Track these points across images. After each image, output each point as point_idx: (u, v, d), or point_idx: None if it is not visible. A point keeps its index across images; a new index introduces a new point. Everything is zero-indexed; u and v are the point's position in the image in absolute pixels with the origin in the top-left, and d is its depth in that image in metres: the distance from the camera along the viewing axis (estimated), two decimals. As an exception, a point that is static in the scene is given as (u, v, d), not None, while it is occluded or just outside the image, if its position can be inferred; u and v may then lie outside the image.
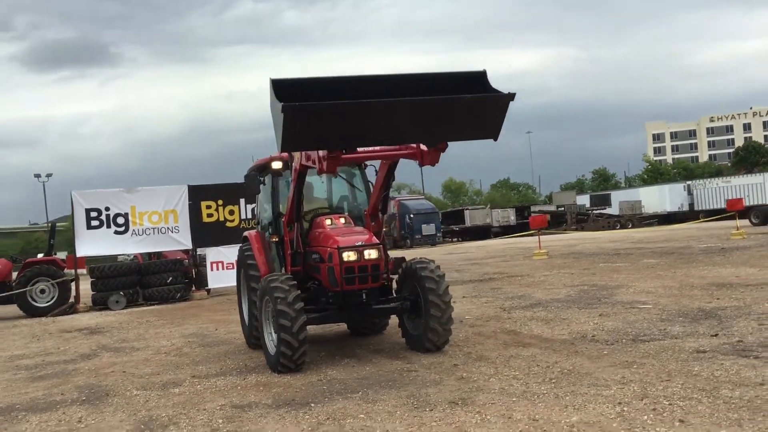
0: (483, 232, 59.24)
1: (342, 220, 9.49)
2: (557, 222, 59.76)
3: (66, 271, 21.14)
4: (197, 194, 21.25)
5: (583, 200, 68.43)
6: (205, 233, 21.15)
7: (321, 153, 7.92)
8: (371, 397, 7.04)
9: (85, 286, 20.83)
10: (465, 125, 7.51)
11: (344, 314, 9.14)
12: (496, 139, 7.58)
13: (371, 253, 8.70)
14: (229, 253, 21.18)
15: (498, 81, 7.32)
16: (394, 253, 11.53)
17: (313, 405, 6.92)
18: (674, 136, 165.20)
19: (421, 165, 8.31)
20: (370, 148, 8.57)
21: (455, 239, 60.57)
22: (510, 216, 63.15)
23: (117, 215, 20.56)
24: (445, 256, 34.77)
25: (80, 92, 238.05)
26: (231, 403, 7.32)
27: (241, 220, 21.48)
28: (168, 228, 20.90)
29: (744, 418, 5.40)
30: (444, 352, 8.89)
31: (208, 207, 21.23)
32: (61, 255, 25.07)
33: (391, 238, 54.88)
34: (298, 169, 8.93)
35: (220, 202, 21.34)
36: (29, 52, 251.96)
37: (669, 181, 75.88)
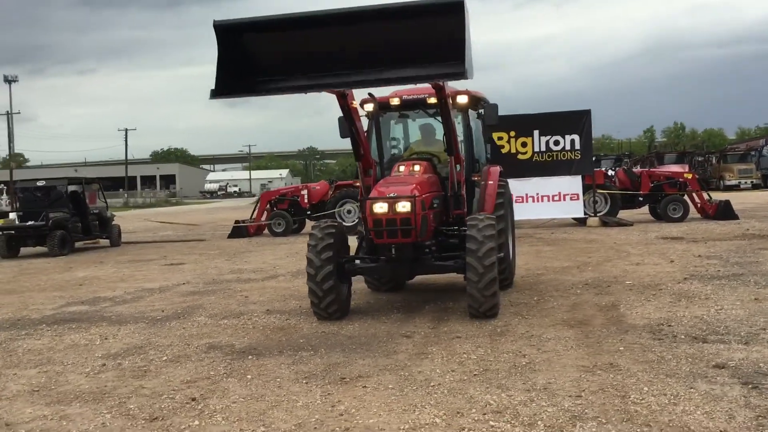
0: None
1: (416, 167, 8.95)
2: None
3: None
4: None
5: None
6: (496, 165, 20.95)
7: None
8: (312, 359, 6.80)
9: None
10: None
11: (389, 268, 8.71)
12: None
13: (402, 206, 8.12)
14: (520, 186, 20.78)
15: None
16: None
17: (251, 357, 6.99)
18: None
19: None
20: None
21: None
22: None
23: (411, 145, 21.51)
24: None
25: (538, 16, 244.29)
26: (213, 343, 7.71)
27: (533, 152, 20.81)
28: (459, 159, 21.23)
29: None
30: (482, 322, 8.00)
31: (500, 138, 20.87)
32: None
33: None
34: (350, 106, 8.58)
35: (512, 133, 20.87)
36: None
37: None
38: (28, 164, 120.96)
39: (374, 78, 7.02)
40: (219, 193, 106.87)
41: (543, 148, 20.75)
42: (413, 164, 9.03)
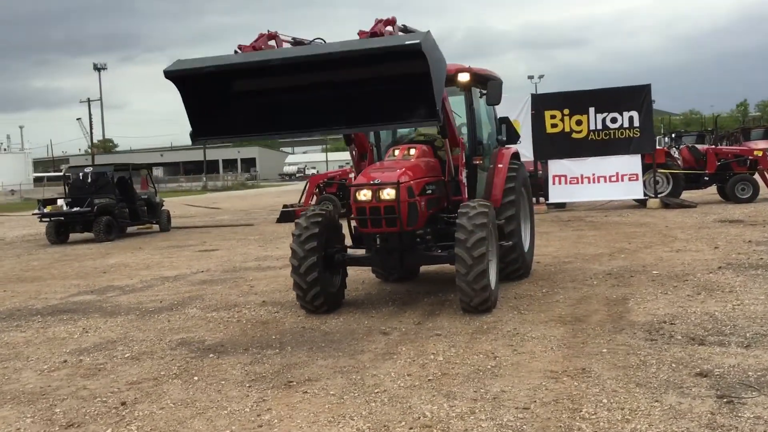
0: None
1: (411, 151, 8.40)
2: None
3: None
4: (541, 103, 20.22)
5: None
6: (549, 144, 20.07)
7: None
8: (271, 358, 6.40)
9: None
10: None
11: (380, 259, 8.21)
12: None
13: (386, 194, 7.60)
14: (574, 166, 20.00)
15: None
16: None
17: (212, 355, 6.66)
18: None
19: None
20: None
21: None
22: None
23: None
24: None
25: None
26: (186, 338, 7.40)
27: (589, 131, 19.80)
28: (510, 139, 20.41)
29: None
30: (473, 317, 7.43)
31: (553, 117, 20.02)
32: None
33: None
34: None
35: (566, 111, 19.95)
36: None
37: None
38: (117, 149, 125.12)
39: (350, 123, 7.04)
40: (297, 175, 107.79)
41: (599, 126, 19.73)
42: (409, 148, 8.48)
